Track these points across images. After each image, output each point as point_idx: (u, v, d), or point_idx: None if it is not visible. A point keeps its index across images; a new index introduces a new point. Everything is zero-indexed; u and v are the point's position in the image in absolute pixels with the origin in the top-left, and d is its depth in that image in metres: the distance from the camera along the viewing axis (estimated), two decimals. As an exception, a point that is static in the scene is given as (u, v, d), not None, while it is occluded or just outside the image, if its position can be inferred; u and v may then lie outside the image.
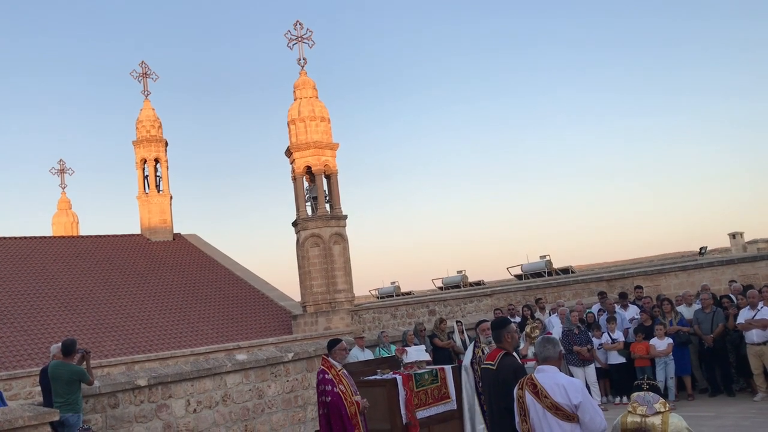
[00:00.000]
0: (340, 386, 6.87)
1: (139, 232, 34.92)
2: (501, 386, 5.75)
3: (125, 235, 34.22)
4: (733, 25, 71.90)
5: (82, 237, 34.03)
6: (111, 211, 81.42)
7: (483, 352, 8.44)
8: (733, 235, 31.49)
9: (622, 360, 12.36)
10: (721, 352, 11.75)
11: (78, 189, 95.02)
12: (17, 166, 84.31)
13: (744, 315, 11.18)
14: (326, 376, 6.93)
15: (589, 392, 11.71)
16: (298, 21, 28.90)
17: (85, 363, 8.88)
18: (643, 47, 78.01)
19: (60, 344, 8.85)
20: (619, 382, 12.48)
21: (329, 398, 6.80)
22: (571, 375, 12.04)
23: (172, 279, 30.55)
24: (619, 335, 12.56)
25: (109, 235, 33.64)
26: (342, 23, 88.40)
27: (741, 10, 70.64)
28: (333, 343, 7.38)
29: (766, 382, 10.98)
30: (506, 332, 6.09)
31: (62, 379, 8.32)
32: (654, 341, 11.93)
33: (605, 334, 12.60)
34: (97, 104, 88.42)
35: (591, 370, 12.24)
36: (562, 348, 5.42)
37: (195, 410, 9.97)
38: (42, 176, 67.87)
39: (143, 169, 35.45)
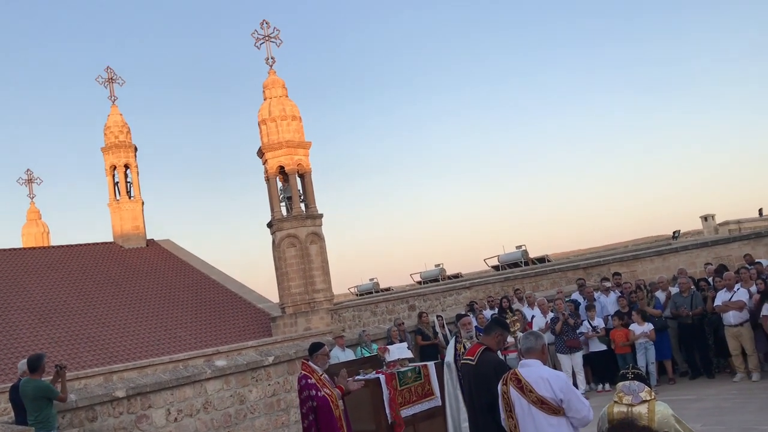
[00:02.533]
0: (325, 390, 6.75)
1: (111, 239, 34.44)
2: (481, 381, 5.67)
3: (97, 244, 33.74)
4: (708, 13, 72.89)
5: (54, 247, 33.49)
6: (82, 220, 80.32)
7: (464, 348, 8.39)
8: (705, 218, 31.81)
9: (603, 347, 12.39)
10: (699, 335, 11.83)
11: (47, 198, 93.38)
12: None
13: (721, 297, 11.26)
14: (309, 381, 6.79)
15: (575, 380, 11.78)
16: (264, 20, 28.72)
17: (60, 379, 8.63)
18: (608, 35, 78.77)
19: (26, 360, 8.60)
20: (600, 369, 12.52)
21: (316, 403, 6.67)
22: (558, 364, 12.09)
23: (147, 286, 30.16)
24: (599, 322, 12.59)
25: (81, 244, 33.14)
26: (309, 21, 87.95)
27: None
28: (315, 348, 7.18)
29: (744, 363, 11.09)
30: (499, 332, 6.00)
31: (29, 397, 8.08)
32: (633, 327, 11.98)
33: (585, 322, 12.62)
34: (63, 111, 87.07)
35: (578, 358, 12.26)
36: (545, 341, 5.36)
37: (176, 419, 9.80)
38: (10, 186, 66.86)
39: (113, 175, 34.95)
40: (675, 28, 74.51)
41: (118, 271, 31.06)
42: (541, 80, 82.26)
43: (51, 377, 8.65)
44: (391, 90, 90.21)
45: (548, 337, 12.27)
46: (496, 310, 14.42)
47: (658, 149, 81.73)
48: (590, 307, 12.80)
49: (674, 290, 12.56)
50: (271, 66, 28.67)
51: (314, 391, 6.68)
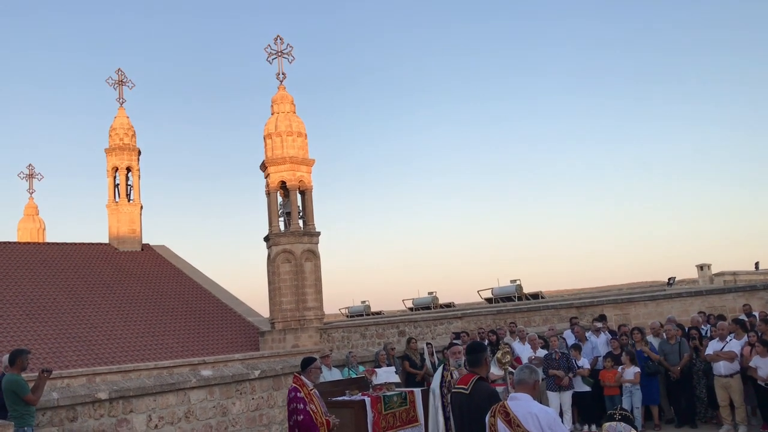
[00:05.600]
0: (311, 405, 6.72)
1: (107, 241, 34.37)
2: (475, 411, 5.65)
3: (93, 244, 33.66)
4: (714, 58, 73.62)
5: (48, 244, 33.41)
6: (79, 219, 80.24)
7: (452, 376, 8.33)
8: (700, 267, 31.81)
9: (587, 388, 12.30)
10: (687, 383, 11.78)
11: (46, 195, 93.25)
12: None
13: (713, 346, 11.23)
14: (298, 394, 6.77)
15: (562, 418, 11.69)
16: (278, 36, 28.97)
17: (40, 379, 8.48)
18: (605, 81, 79.43)
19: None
20: (587, 409, 12.43)
21: (301, 417, 6.65)
22: (546, 400, 11.99)
23: (138, 290, 30.05)
24: (585, 362, 12.52)
25: (76, 243, 33.06)
26: (322, 40, 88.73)
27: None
28: (308, 362, 7.21)
29: (731, 414, 11.02)
30: (486, 357, 6.02)
31: (5, 391, 8.01)
32: (621, 369, 11.92)
33: (572, 361, 12.54)
34: (70, 109, 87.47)
35: (567, 396, 12.16)
36: (538, 377, 5.34)
37: (156, 426, 9.71)
38: (10, 180, 66.68)
39: (114, 177, 34.99)
40: (673, 81, 75.25)
41: (110, 273, 30.95)
42: (542, 121, 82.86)
43: (37, 376, 8.53)
44: (394, 119, 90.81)
45: (540, 373, 12.18)
46: (486, 342, 14.34)
47: (657, 195, 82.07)
48: (576, 347, 12.73)
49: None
50: (281, 81, 28.87)
51: (301, 405, 6.65)
